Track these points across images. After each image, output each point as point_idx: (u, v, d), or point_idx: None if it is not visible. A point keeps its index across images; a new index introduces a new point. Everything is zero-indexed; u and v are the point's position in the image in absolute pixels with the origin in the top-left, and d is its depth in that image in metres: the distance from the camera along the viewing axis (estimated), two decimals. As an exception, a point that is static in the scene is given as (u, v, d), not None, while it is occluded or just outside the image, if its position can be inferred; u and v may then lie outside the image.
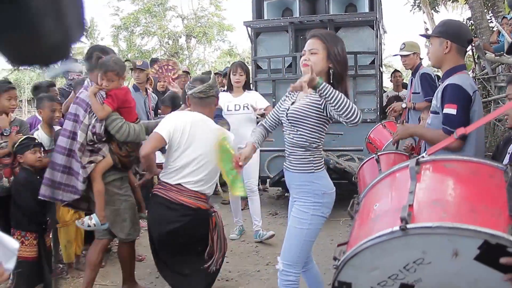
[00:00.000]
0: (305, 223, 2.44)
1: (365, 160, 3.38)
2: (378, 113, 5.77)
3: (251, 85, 5.24)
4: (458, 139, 1.54)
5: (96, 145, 3.09)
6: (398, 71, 7.67)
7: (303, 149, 2.45)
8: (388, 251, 1.23)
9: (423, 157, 1.46)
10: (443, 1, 15.81)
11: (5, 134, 3.42)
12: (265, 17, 6.33)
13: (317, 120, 2.43)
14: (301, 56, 2.54)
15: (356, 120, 2.22)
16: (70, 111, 3.15)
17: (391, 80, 7.51)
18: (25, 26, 0.52)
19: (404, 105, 4.64)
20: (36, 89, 4.55)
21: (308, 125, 2.42)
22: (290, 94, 2.61)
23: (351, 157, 5.67)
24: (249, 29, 6.19)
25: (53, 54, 0.58)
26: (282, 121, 2.59)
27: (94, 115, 3.04)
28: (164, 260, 2.99)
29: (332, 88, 2.20)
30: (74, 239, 3.94)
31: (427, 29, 8.00)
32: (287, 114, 2.50)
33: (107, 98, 3.08)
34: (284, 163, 2.59)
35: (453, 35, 2.48)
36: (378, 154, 3.25)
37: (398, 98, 6.50)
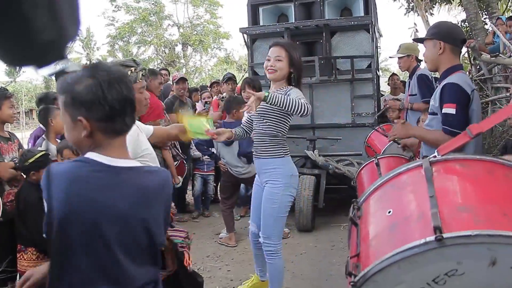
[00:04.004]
0: (276, 202, 2.95)
1: (363, 164, 3.33)
2: (376, 117, 5.75)
3: None
4: (474, 137, 1.44)
5: None
6: (396, 74, 7.64)
7: (272, 137, 2.94)
8: (419, 263, 1.11)
9: (434, 156, 1.35)
10: (439, 2, 15.79)
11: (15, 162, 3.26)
12: (261, 23, 6.33)
13: (279, 112, 2.89)
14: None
15: (306, 112, 2.69)
16: None
17: (388, 84, 7.49)
18: (15, 20, 0.49)
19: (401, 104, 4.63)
20: (41, 100, 4.26)
21: (273, 116, 2.92)
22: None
23: (350, 162, 5.65)
24: (245, 35, 6.19)
25: (47, 53, 0.55)
26: (253, 118, 3.06)
27: None
28: None
29: (277, 95, 2.66)
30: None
31: (416, 31, 8.01)
32: (257, 109, 2.86)
33: None
34: (253, 153, 3.06)
35: (445, 35, 2.49)
36: (378, 157, 3.20)
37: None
